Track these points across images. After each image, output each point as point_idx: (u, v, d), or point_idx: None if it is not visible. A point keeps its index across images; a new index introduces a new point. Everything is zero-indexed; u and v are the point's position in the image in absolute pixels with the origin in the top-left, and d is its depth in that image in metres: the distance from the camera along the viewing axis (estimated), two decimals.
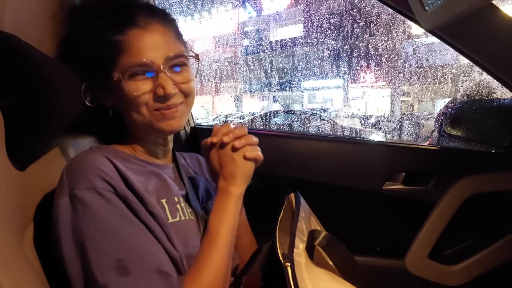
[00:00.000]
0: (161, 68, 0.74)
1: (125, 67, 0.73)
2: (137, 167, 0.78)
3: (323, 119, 6.84)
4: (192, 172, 0.98)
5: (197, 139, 1.60)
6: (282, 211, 0.84)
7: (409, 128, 6.47)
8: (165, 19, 0.80)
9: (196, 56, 0.83)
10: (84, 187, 0.65)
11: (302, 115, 7.05)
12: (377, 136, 6.43)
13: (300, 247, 0.75)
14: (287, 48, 10.03)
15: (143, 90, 0.74)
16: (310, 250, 0.79)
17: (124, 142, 0.84)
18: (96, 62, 0.75)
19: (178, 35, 0.82)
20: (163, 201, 0.77)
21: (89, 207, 0.64)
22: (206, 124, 1.52)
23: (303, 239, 0.79)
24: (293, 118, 6.86)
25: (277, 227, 0.78)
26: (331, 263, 0.77)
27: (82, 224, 0.63)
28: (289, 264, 0.68)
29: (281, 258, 0.69)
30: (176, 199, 0.81)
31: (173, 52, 0.76)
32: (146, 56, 0.73)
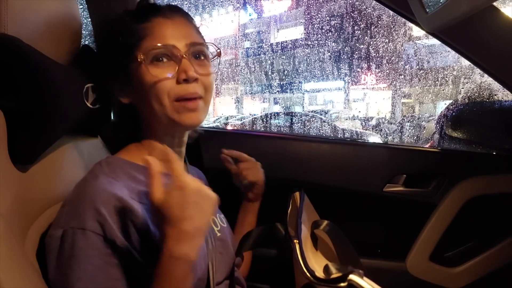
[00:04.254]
0: (184, 55, 0.75)
1: (148, 49, 0.74)
2: (145, 188, 0.74)
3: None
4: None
5: (198, 141, 1.60)
6: (290, 205, 1.00)
7: (410, 130, 6.46)
8: (187, 15, 0.83)
9: (218, 53, 0.84)
10: (76, 225, 0.63)
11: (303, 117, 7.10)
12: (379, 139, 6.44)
13: (305, 233, 0.83)
14: (288, 50, 10.05)
15: (166, 76, 0.74)
16: (313, 239, 0.90)
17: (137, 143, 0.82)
18: (119, 50, 0.76)
19: (199, 32, 0.84)
20: None
21: (74, 248, 0.63)
22: (207, 126, 1.52)
23: (307, 228, 0.89)
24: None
25: (288, 215, 0.93)
26: (332, 249, 0.86)
27: (65, 262, 0.63)
28: (297, 241, 0.76)
29: (291, 237, 0.79)
30: None
31: (195, 40, 0.78)
32: (169, 40, 0.75)
